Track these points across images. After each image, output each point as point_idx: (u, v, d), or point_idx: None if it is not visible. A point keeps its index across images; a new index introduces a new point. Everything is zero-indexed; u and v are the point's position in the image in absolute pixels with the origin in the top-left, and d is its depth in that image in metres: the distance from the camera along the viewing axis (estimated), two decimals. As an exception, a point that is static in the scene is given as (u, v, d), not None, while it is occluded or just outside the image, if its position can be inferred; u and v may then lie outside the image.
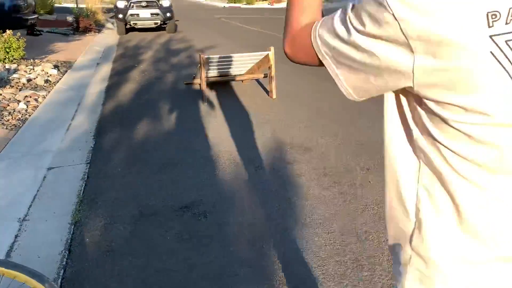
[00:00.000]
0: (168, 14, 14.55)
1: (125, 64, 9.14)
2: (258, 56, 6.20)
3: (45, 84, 6.66)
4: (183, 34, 14.91)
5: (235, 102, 6.04)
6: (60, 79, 7.14)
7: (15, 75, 6.95)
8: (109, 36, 14.15)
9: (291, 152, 4.18)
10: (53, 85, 6.73)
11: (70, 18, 15.00)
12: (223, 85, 6.79)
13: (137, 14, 14.33)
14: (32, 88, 6.36)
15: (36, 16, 11.14)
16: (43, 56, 9.17)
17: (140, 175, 3.71)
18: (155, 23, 14.69)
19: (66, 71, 7.88)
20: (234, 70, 6.28)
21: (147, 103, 6.02)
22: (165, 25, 15.04)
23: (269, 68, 6.04)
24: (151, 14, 14.43)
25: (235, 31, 15.90)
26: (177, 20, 20.49)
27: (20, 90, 6.14)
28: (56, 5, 21.18)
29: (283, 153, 4.18)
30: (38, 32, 12.67)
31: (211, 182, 3.56)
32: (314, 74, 7.09)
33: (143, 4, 14.37)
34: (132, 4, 14.27)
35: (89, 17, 15.15)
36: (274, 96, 6.16)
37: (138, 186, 3.51)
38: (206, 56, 5.80)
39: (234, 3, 44.69)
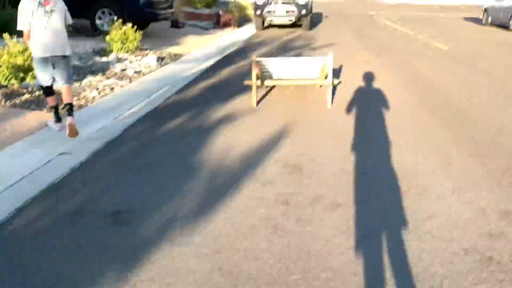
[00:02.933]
0: (303, 11, 14.39)
1: (231, 60, 9.35)
2: (316, 61, 5.67)
3: (134, 75, 7.23)
4: (317, 32, 14.60)
5: (286, 108, 5.64)
6: (152, 71, 7.67)
7: (118, 64, 7.72)
8: (245, 32, 14.68)
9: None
10: (141, 75, 7.26)
11: (213, 13, 16.02)
12: (285, 88, 6.42)
13: (274, 11, 14.52)
14: (119, 78, 6.97)
15: (172, 10, 12.17)
16: (162, 47, 9.99)
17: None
18: (290, 20, 14.69)
19: (167, 63, 8.43)
20: (291, 74, 5.86)
21: (208, 101, 6.03)
22: (301, 22, 14.93)
23: (326, 77, 5.47)
24: (287, 11, 14.45)
25: (376, 31, 14.88)
26: (326, 16, 20.27)
27: (107, 79, 6.79)
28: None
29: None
30: (181, 25, 13.90)
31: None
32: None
33: (280, 0, 14.47)
34: (270, 1, 14.52)
35: (232, 12, 15.94)
36: (329, 106, 5.57)
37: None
38: (257, 59, 5.52)
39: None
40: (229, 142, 4.47)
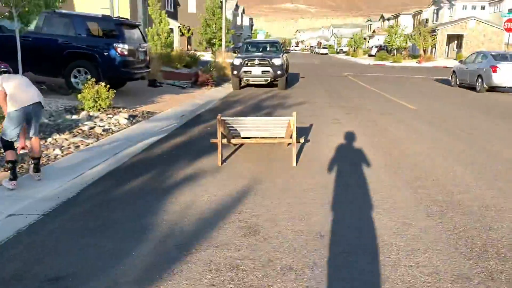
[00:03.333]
0: (278, 72, 14.82)
1: (204, 118, 9.43)
2: (281, 121, 5.76)
3: (102, 132, 7.20)
4: (292, 91, 14.98)
5: (251, 167, 5.62)
6: (122, 129, 7.65)
7: (87, 122, 7.69)
8: (222, 91, 14.98)
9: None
10: (110, 133, 7.23)
11: (192, 72, 16.37)
12: (252, 147, 6.45)
13: (250, 71, 14.94)
14: (86, 136, 6.92)
15: (148, 70, 12.40)
16: (137, 106, 10.05)
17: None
18: (266, 80, 15.09)
19: (139, 121, 8.44)
20: (257, 132, 5.93)
21: (174, 159, 5.99)
22: (276, 82, 15.34)
23: (291, 136, 5.53)
24: (262, 71, 14.88)
25: (348, 91, 15.35)
26: (303, 77, 20.91)
27: (74, 136, 6.73)
28: (203, 58, 23.38)
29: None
30: (159, 84, 14.12)
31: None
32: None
33: (256, 62, 14.93)
34: (246, 62, 14.96)
35: (210, 71, 16.32)
36: (294, 164, 5.59)
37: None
38: (222, 118, 5.57)
39: (382, 60, 43.84)
40: (189, 202, 4.38)
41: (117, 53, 10.55)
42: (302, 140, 6.15)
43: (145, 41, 12.46)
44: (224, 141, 5.93)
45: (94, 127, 7.47)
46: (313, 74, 23.72)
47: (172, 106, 10.67)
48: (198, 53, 22.53)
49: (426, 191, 4.80)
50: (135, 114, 9.00)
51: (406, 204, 4.40)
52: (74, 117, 8.20)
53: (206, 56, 26.69)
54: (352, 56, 62.35)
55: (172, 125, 8.54)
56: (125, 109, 9.35)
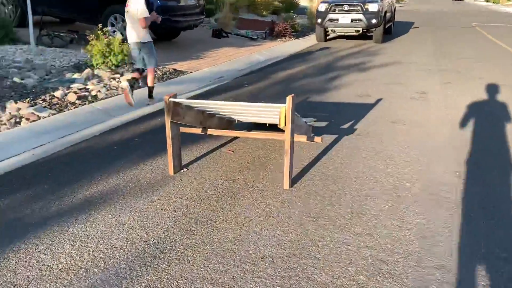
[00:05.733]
0: (373, 21, 11.70)
1: (239, 83, 7.28)
2: (267, 109, 3.37)
3: (75, 101, 5.50)
4: (389, 45, 11.80)
5: (213, 179, 3.40)
6: (107, 97, 5.87)
7: (75, 85, 6.09)
8: (301, 43, 12.39)
9: None
10: (85, 103, 5.50)
11: (268, 20, 13.96)
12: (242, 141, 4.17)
13: (337, 19, 12.06)
14: (49, 105, 5.28)
15: (199, 18, 10.35)
16: (171, 62, 8.21)
17: None
18: (357, 31, 12.10)
19: (143, 86, 6.59)
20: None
21: (111, 153, 4.05)
22: (371, 33, 12.27)
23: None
24: (352, 20, 11.90)
25: (463, 47, 11.59)
26: (416, 27, 17.08)
27: (31, 106, 5.14)
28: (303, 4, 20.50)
29: None
30: (224, 35, 12.09)
31: None
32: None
33: (345, 8, 11.95)
34: (333, 8, 12.09)
35: (292, 19, 13.72)
36: (286, 186, 3.24)
37: None
38: (172, 99, 3.38)
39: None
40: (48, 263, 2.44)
41: (155, -3, 8.73)
42: (319, 140, 3.71)
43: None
44: (198, 131, 3.80)
45: (76, 92, 5.81)
46: (431, 23, 19.40)
47: (218, 63, 8.62)
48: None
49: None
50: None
51: None
52: (75, 76, 6.65)
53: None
54: (493, 2, 52.86)
55: (186, 93, 6.54)
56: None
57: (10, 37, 8.46)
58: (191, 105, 3.54)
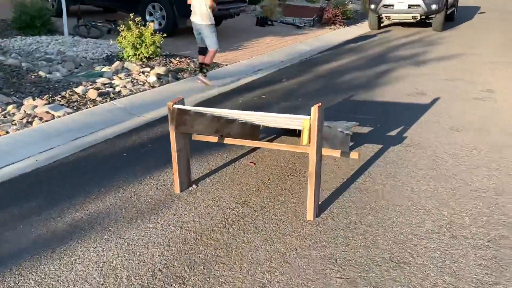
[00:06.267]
0: (433, 6, 10.58)
1: (278, 77, 6.64)
2: (291, 120, 2.73)
3: (96, 99, 5.10)
4: (451, 33, 10.64)
5: (225, 208, 2.82)
6: (131, 94, 5.44)
7: (101, 80, 5.72)
8: (352, 31, 11.47)
9: None
10: (106, 100, 5.09)
11: (317, 7, 13.08)
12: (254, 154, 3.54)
13: (392, 5, 11.03)
14: (67, 102, 4.92)
15: (242, 6, 9.71)
16: (206, 54, 7.70)
17: None
18: (414, 17, 11.01)
19: (174, 80, 6.11)
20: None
21: (126, 168, 3.58)
22: (430, 20, 11.15)
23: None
24: (410, 5, 10.82)
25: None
26: (483, 12, 15.52)
27: (49, 104, 4.80)
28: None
29: None
30: (269, 23, 11.42)
31: None
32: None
33: (402, -9, 10.89)
34: (388, -9, 11.07)
35: (345, 5, 12.76)
36: (310, 217, 2.62)
37: None
38: (176, 106, 2.83)
39: None
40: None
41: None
42: (356, 156, 3.03)
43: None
44: (214, 139, 3.26)
45: (99, 88, 5.44)
46: (501, 8, 17.60)
47: (258, 54, 8.01)
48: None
49: None
50: (182, 68, 6.68)
51: None
52: (104, 69, 6.31)
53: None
54: None
55: (211, 91, 6.01)
56: (180, 59, 7.10)
57: (47, 27, 8.29)
58: (201, 111, 2.98)
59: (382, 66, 7.20)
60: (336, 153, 3.09)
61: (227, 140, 3.36)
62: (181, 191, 3.08)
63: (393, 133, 4.22)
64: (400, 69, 6.91)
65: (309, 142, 2.55)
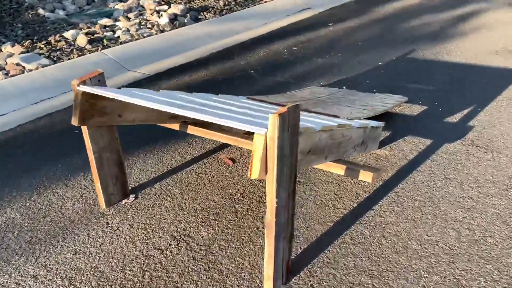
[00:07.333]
0: None
1: (322, 19, 5.30)
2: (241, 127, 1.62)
3: (86, 46, 4.21)
4: None
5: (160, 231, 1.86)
6: (132, 40, 4.47)
7: (104, 20, 4.81)
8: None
9: None
10: (97, 48, 4.18)
11: None
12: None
13: None
14: (57, 50, 4.08)
15: None
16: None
17: None
18: None
19: (191, 22, 5.02)
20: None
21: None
22: None
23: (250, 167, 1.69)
24: None
25: None
26: None
27: (25, 53, 3.99)
28: None
29: None
30: None
31: None
32: None
33: None
34: None
35: None
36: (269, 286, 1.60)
37: None
38: (82, 88, 1.89)
39: None
40: None
41: None
42: (369, 179, 1.87)
43: None
44: (176, 127, 2.29)
45: (95, 33, 4.53)
46: None
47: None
48: None
49: None
50: (207, 6, 5.53)
51: None
52: (118, 6, 5.39)
53: None
54: None
55: (239, 37, 4.85)
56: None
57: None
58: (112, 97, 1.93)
59: (464, 7, 5.50)
60: (337, 170, 1.95)
61: (192, 130, 2.33)
62: (108, 206, 2.15)
63: (455, 118, 2.90)
64: (490, 13, 5.20)
65: (265, 174, 1.44)
